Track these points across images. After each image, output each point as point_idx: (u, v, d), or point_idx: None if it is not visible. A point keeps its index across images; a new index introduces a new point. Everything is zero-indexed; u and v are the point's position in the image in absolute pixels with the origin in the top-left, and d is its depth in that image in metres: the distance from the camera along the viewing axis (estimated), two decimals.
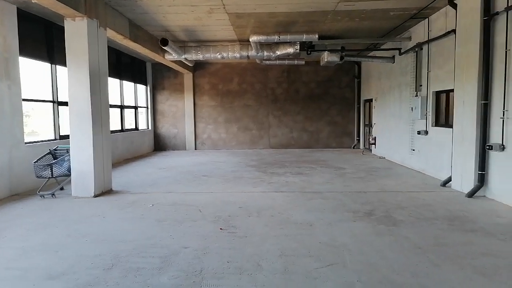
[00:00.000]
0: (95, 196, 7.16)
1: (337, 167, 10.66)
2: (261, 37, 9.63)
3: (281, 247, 4.38)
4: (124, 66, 13.66)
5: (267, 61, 13.85)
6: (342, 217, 5.62)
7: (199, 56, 11.66)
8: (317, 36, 9.58)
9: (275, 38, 9.68)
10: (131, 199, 6.98)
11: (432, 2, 8.03)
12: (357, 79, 15.91)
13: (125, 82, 13.82)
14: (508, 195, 6.14)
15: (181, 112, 16.44)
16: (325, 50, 11.27)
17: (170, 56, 12.04)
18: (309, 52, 11.12)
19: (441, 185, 7.82)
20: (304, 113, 16.24)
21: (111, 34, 8.47)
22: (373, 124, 13.88)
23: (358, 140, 15.95)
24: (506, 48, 6.12)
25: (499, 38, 6.32)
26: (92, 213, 6.00)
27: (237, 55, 11.52)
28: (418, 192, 7.27)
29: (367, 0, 7.90)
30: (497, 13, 6.28)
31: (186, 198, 7.01)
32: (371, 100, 14.52)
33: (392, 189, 7.57)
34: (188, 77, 16.17)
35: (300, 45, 10.98)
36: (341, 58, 11.47)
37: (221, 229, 5.11)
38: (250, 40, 9.85)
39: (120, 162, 12.59)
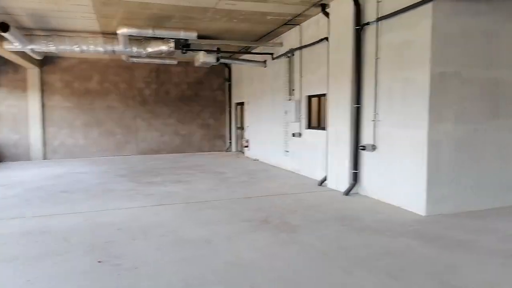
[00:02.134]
0: None
1: (217, 172, 10.28)
2: (132, 30, 8.52)
3: (184, 277, 3.67)
4: None
5: (134, 59, 12.57)
6: (240, 228, 5.19)
7: (51, 48, 9.74)
8: (195, 34, 8.99)
9: (149, 32, 8.71)
10: None
11: (306, 10, 8.35)
12: (228, 82, 15.88)
13: None
14: (379, 190, 6.70)
15: (23, 115, 13.64)
16: (201, 50, 10.76)
17: (11, 46, 9.75)
18: (184, 51, 10.44)
19: (318, 185, 8.17)
20: (176, 116, 15.41)
21: None
22: (246, 127, 14.01)
23: (231, 143, 15.95)
24: (376, 56, 6.67)
25: (369, 47, 6.86)
26: None
27: (101, 49, 10.04)
28: (301, 193, 7.40)
29: (247, 1, 7.71)
30: (368, 23, 6.81)
31: (42, 223, 5.56)
32: (243, 103, 14.65)
33: (277, 192, 7.54)
34: (33, 73, 13.53)
35: (174, 43, 10.21)
36: (217, 59, 11.14)
37: (99, 261, 4.08)
38: (118, 32, 8.63)
39: None
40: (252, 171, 10.42)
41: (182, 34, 9.06)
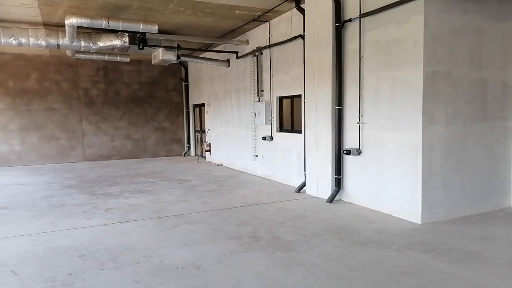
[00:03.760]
0: None
1: (180, 179, 9.41)
2: (83, 20, 7.40)
3: None
4: None
5: (81, 55, 11.24)
6: (229, 248, 4.50)
7: None
8: (156, 27, 8.08)
9: (103, 23, 7.64)
10: None
11: (279, 5, 7.83)
12: (185, 82, 14.96)
13: None
14: (365, 197, 6.34)
15: None
16: (160, 46, 9.82)
17: None
18: (141, 47, 9.45)
19: (296, 191, 7.68)
20: (127, 119, 14.17)
21: None
22: (206, 130, 13.21)
23: (189, 147, 15.04)
24: (359, 55, 6.31)
25: (351, 45, 6.49)
26: None
27: (43, 42, 8.73)
28: (282, 202, 6.85)
29: None
30: (350, 20, 6.44)
31: None
32: (202, 105, 13.83)
33: (254, 201, 6.92)
34: None
35: (129, 38, 9.20)
36: (178, 57, 10.26)
37: None
38: (66, 22, 7.48)
39: None
40: (220, 177, 9.69)
41: (141, 27, 8.09)
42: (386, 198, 5.91)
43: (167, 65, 11.72)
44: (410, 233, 4.94)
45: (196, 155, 14.73)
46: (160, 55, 10.01)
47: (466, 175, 5.74)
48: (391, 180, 5.83)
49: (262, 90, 9.51)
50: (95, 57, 11.50)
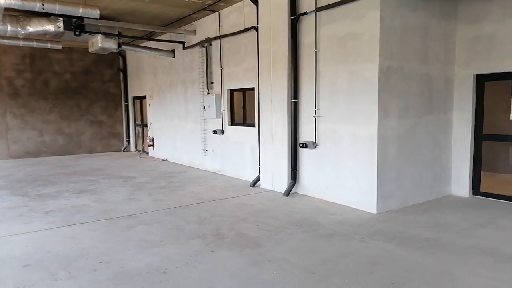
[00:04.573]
0: None
1: (124, 176, 8.82)
2: (13, 1, 6.52)
3: None
4: None
5: (5, 40, 9.99)
6: (193, 248, 4.26)
7: None
8: (98, 12, 7.40)
9: (36, 5, 6.80)
10: None
11: None
12: (123, 73, 14.07)
13: None
14: (321, 189, 6.43)
15: None
16: (99, 33, 9.05)
17: None
18: (78, 33, 8.63)
19: (250, 186, 7.58)
20: (59, 111, 12.97)
21: None
22: (149, 124, 12.56)
23: (129, 142, 14.22)
24: (316, 49, 6.34)
25: (307, 38, 6.50)
26: None
27: None
28: (238, 197, 6.70)
29: None
30: (306, 13, 6.43)
31: None
32: (143, 97, 13.12)
33: (210, 197, 6.68)
34: None
35: (64, 23, 8.35)
36: (119, 45, 9.56)
37: None
38: None
39: None
40: (167, 173, 9.26)
41: (80, 11, 7.36)
42: (342, 190, 6.04)
43: (106, 53, 10.89)
44: (369, 223, 5.09)
45: (137, 150, 13.98)
46: (99, 43, 9.24)
47: (415, 166, 6.07)
48: (347, 172, 5.96)
49: (212, 83, 9.23)
50: (21, 43, 10.30)
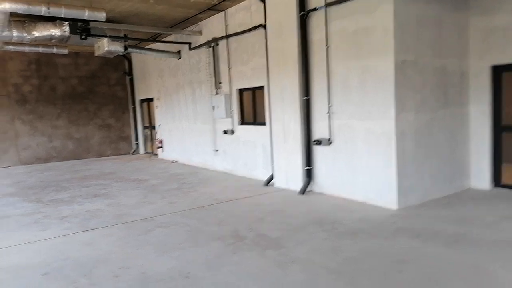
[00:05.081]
0: None
1: (136, 179, 8.77)
2: (18, 6, 6.48)
3: None
4: None
5: (11, 46, 9.99)
6: (215, 251, 4.18)
7: None
8: (104, 14, 7.34)
9: (42, 9, 6.76)
10: None
11: None
12: (129, 76, 14.04)
13: None
14: (337, 186, 6.33)
15: None
16: (105, 36, 8.99)
17: None
18: (84, 37, 8.58)
19: (264, 185, 7.48)
20: (67, 116, 12.96)
21: None
22: (157, 126, 12.51)
23: (138, 145, 14.19)
24: (326, 45, 6.23)
25: (317, 35, 6.39)
26: None
27: None
28: (253, 197, 6.62)
29: None
30: (315, 9, 6.32)
31: None
32: (150, 99, 13.07)
33: (224, 198, 6.60)
34: None
35: (70, 27, 8.30)
36: (125, 48, 9.50)
37: None
38: None
39: None
40: (178, 174, 9.20)
41: (86, 14, 7.30)
42: (360, 186, 5.93)
43: (112, 57, 10.83)
44: (391, 219, 4.98)
45: (146, 152, 13.94)
46: (106, 46, 9.18)
47: (434, 160, 5.94)
48: (364, 168, 5.85)
49: (220, 83, 9.15)
50: (27, 49, 10.30)
